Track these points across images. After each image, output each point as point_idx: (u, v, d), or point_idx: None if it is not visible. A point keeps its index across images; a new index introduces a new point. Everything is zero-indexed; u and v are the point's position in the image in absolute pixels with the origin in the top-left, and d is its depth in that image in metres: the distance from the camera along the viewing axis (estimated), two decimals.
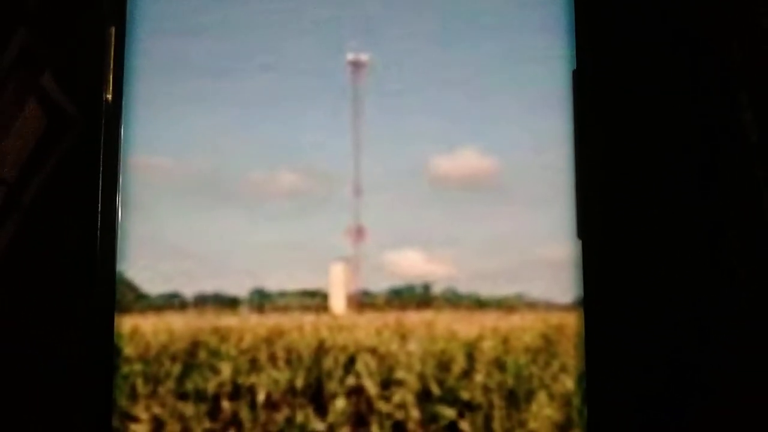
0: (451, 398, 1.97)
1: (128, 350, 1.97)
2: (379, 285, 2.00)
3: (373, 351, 2.01)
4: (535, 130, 2.01)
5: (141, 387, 1.96)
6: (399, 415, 1.96)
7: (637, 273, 1.93)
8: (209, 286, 1.97)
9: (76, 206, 2.01)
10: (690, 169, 1.95)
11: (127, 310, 1.97)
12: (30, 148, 1.95)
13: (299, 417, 1.96)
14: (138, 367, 1.97)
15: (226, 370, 1.99)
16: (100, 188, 2.03)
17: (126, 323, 1.97)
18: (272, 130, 2.03)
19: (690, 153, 1.94)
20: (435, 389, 1.98)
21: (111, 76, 2.03)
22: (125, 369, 1.96)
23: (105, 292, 2.01)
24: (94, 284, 2.01)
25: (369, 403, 1.97)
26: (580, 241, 1.98)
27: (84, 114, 2.05)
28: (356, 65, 2.03)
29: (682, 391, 1.89)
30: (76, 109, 2.03)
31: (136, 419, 1.96)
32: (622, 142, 1.98)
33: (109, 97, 2.06)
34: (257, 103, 2.04)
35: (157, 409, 1.96)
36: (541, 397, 1.95)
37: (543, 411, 1.94)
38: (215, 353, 2.00)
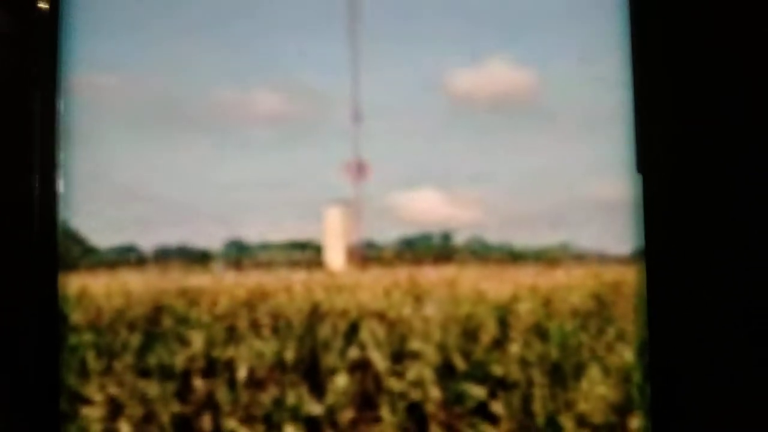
0: (479, 374, 1.86)
1: (76, 317, 1.87)
2: (387, 234, 1.88)
3: (380, 316, 1.89)
4: (584, 33, 1.88)
5: (93, 362, 1.87)
6: (415, 394, 1.86)
7: (711, 217, 1.81)
8: (172, 237, 1.86)
9: (5, 141, 1.90)
10: None
11: (72, 267, 1.86)
12: None
13: (290, 398, 1.86)
14: (88, 337, 1.87)
15: (197, 340, 1.88)
16: (36, 117, 1.91)
17: (72, 283, 1.86)
18: (246, 36, 1.88)
19: None
20: (459, 363, 1.87)
21: None
22: (73, 340, 1.86)
23: (45, 245, 1.90)
24: (32, 236, 1.92)
25: (377, 380, 1.87)
26: (641, 177, 1.86)
27: (13, 27, 1.93)
28: None
29: (763, 363, 1.78)
30: (4, 20, 1.91)
31: (88, 401, 1.87)
32: (693, 50, 1.83)
33: (44, 5, 1.93)
34: (226, 5, 1.90)
35: (113, 389, 1.87)
36: (593, 372, 1.85)
37: (595, 389, 1.84)
38: (183, 320, 1.89)
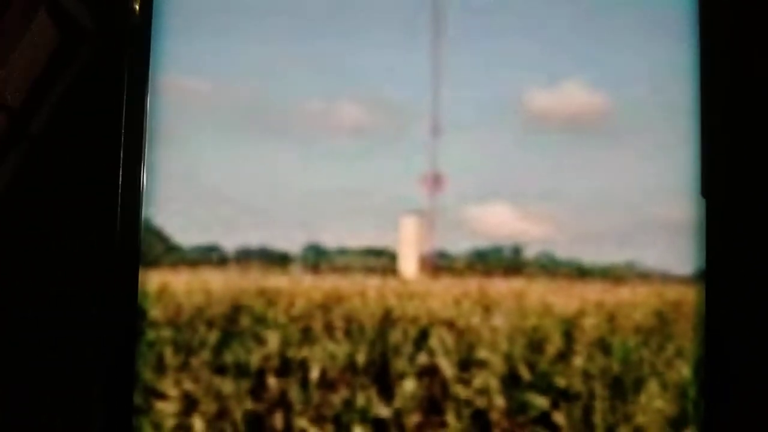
0: (543, 385, 2.06)
1: (155, 312, 2.07)
2: (459, 245, 2.07)
3: (449, 324, 2.09)
4: (656, 61, 2.10)
5: (170, 357, 2.07)
6: (480, 402, 2.06)
7: None
8: (254, 239, 2.05)
9: (93, 138, 2.10)
10: None
11: (154, 263, 2.06)
12: (38, 68, 2.04)
13: (360, 399, 2.06)
14: (167, 333, 2.06)
15: (273, 340, 2.08)
16: (124, 116, 2.12)
17: (153, 280, 2.06)
18: (333, 50, 2.10)
19: None
20: (524, 373, 2.07)
21: None
22: (151, 335, 2.06)
23: (128, 241, 2.11)
24: (115, 232, 2.11)
25: (444, 386, 2.07)
26: (705, 200, 2.06)
27: (106, 27, 2.13)
28: None
29: None
30: (93, 20, 2.11)
31: (163, 396, 2.06)
32: (758, 79, 2.05)
33: (137, 6, 2.14)
34: (316, 17, 2.10)
35: (188, 385, 2.07)
36: (652, 386, 2.04)
37: (653, 403, 2.04)
38: (260, 320, 2.09)
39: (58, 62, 2.08)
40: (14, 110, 2.01)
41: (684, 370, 2.06)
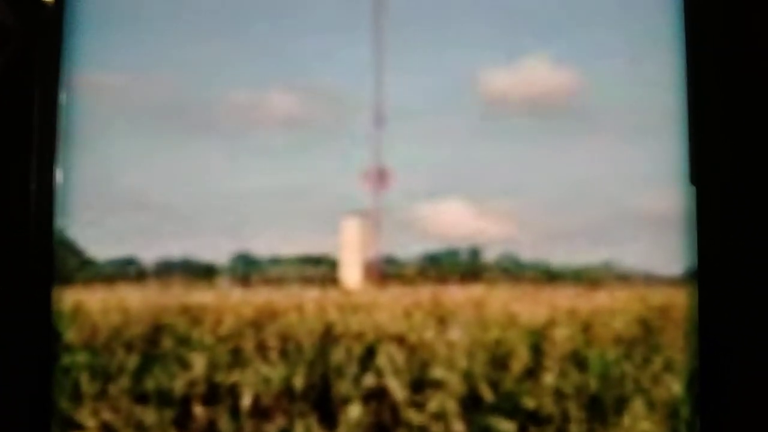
0: (508, 407, 1.88)
1: (70, 335, 1.92)
2: (409, 249, 1.91)
3: (399, 340, 1.92)
4: (631, 32, 1.90)
5: (86, 384, 1.91)
6: (436, 428, 1.87)
7: None
8: (176, 250, 1.91)
9: (3, 139, 1.98)
10: None
11: (68, 280, 1.92)
12: None
13: (298, 428, 1.88)
14: (83, 357, 1.92)
15: (198, 363, 1.92)
16: (35, 116, 1.99)
17: (67, 298, 1.92)
18: (261, 35, 1.93)
19: None
20: (486, 394, 1.89)
21: None
22: (66, 360, 1.91)
23: (40, 256, 1.96)
24: (27, 246, 1.98)
25: (394, 411, 1.89)
26: (694, 189, 1.87)
27: (16, 20, 2.02)
28: None
29: None
30: (7, 15, 2.00)
31: (80, 427, 1.91)
32: (753, 44, 1.84)
33: None
34: (242, 2, 1.96)
35: (107, 415, 1.90)
36: (637, 405, 1.86)
37: (639, 425, 1.85)
38: (184, 341, 1.93)
39: None
40: None
41: (674, 387, 1.86)
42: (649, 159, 1.88)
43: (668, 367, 1.85)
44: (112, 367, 1.92)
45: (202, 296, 1.92)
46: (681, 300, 1.84)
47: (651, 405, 1.85)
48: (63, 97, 1.93)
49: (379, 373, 1.90)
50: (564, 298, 1.89)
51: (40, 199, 1.92)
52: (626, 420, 1.85)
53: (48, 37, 1.97)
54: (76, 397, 1.91)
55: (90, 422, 1.90)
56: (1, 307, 1.90)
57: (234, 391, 1.91)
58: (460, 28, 1.92)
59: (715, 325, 1.79)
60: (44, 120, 1.94)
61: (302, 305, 1.93)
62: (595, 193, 1.88)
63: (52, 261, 1.91)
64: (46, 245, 1.91)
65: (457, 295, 1.91)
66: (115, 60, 1.95)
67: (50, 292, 1.89)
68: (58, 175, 1.91)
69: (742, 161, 1.82)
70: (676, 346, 1.85)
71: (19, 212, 1.92)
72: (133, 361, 1.91)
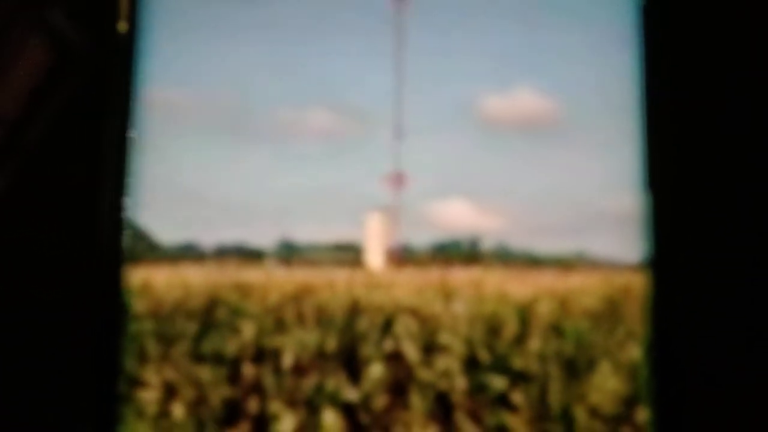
0: (501, 367, 2.17)
1: (138, 306, 2.22)
2: (421, 238, 2.24)
3: (413, 312, 2.22)
4: (600, 68, 2.28)
5: (152, 348, 2.21)
6: (442, 384, 2.17)
7: (713, 228, 2.14)
8: (230, 236, 2.22)
9: (83, 146, 2.27)
10: None
11: (137, 260, 2.22)
12: (35, 86, 2.22)
13: (330, 384, 2.17)
14: (149, 325, 2.21)
15: (248, 330, 2.21)
16: (111, 125, 2.29)
17: (136, 275, 2.22)
18: (304, 63, 2.29)
19: None
20: (483, 356, 2.19)
21: (125, 3, 2.30)
22: (134, 327, 2.21)
23: (112, 239, 2.26)
24: (101, 231, 2.27)
25: (408, 370, 2.18)
26: (650, 192, 2.17)
27: (95, 45, 2.31)
28: None
29: (764, 364, 2.09)
30: (87, 42, 2.30)
31: (145, 384, 2.20)
32: (696, 81, 2.20)
33: (124, 25, 2.33)
34: (288, 33, 2.30)
35: (169, 374, 2.19)
36: (604, 367, 2.15)
37: (606, 383, 2.14)
38: (236, 311, 2.22)
39: (53, 79, 2.26)
40: (11, 123, 2.19)
41: (635, 351, 2.15)
42: (614, 168, 2.22)
43: (630, 335, 2.15)
44: (174, 333, 2.21)
45: (251, 275, 2.21)
46: (639, 282, 2.05)
47: (616, 367, 2.13)
48: (134, 109, 2.26)
49: (396, 339, 2.19)
50: (545, 279, 2.22)
51: (113, 194, 2.24)
52: (596, 379, 2.13)
53: (121, 59, 2.30)
54: (142, 358, 2.21)
55: (154, 380, 2.19)
56: (80, 283, 2.19)
57: (277, 353, 2.19)
58: (464, 62, 2.29)
59: (666, 302, 2.04)
60: (118, 128, 2.26)
61: (334, 283, 2.23)
62: (570, 195, 2.22)
63: (121, 244, 2.20)
64: (116, 231, 2.22)
65: (460, 276, 2.22)
66: (180, 79, 2.30)
67: (120, 270, 2.19)
68: (131, 174, 2.23)
69: (687, 171, 2.16)
70: (636, 318, 2.15)
71: (94, 205, 2.23)
72: (192, 328, 2.20)
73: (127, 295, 2.21)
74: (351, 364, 2.21)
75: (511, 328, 2.22)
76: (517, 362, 2.19)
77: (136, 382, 2.20)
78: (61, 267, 2.20)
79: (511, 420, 2.16)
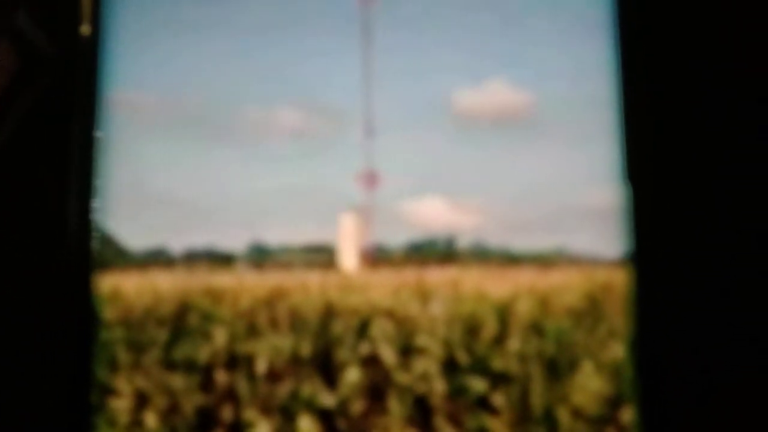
0: (480, 368, 2.14)
1: (107, 314, 2.19)
2: (396, 238, 2.22)
3: (389, 314, 2.18)
4: (575, 59, 2.20)
5: (122, 356, 2.17)
6: (421, 387, 2.13)
7: (696, 223, 2.11)
8: (200, 240, 2.19)
9: (48, 151, 2.24)
10: (757, 99, 2.14)
11: (105, 267, 2.19)
12: (1, 90, 2.19)
13: (305, 390, 2.14)
14: (119, 333, 2.18)
15: (220, 336, 2.18)
16: (76, 130, 2.25)
17: (105, 283, 2.18)
18: (271, 61, 2.25)
19: (757, 79, 2.13)
20: (462, 358, 2.15)
21: (87, 6, 2.27)
22: (104, 335, 2.18)
23: (81, 244, 2.22)
24: (68, 237, 2.23)
25: (386, 373, 2.15)
26: (630, 185, 2.17)
27: (58, 48, 2.28)
28: None
29: (748, 360, 2.06)
30: (50, 45, 2.27)
31: (116, 393, 2.17)
32: (674, 72, 2.17)
33: (86, 28, 2.30)
34: (253, 31, 2.26)
35: (141, 382, 2.16)
36: (587, 366, 2.11)
37: (588, 383, 2.10)
38: (208, 317, 2.19)
39: (18, 84, 2.23)
40: None
41: (618, 350, 2.12)
42: (592, 162, 2.16)
43: (612, 334, 2.11)
44: (145, 340, 2.18)
45: (222, 279, 2.18)
46: (621, 278, 2.02)
47: (599, 366, 2.10)
48: (100, 112, 2.23)
49: (372, 342, 2.16)
50: (524, 277, 2.17)
51: (79, 199, 2.20)
52: (578, 379, 2.10)
53: (85, 62, 2.27)
54: (113, 367, 2.18)
55: (126, 388, 2.16)
56: (47, 292, 2.16)
57: (250, 359, 2.15)
58: (436, 56, 2.25)
59: (649, 299, 2.02)
60: (83, 132, 2.22)
61: (307, 286, 2.19)
62: (548, 190, 2.18)
63: (90, 251, 2.17)
64: (84, 238, 2.19)
65: (436, 276, 2.18)
66: (145, 82, 2.26)
67: (89, 278, 2.16)
68: (97, 179, 2.20)
69: (668, 163, 2.13)
70: (618, 316, 2.10)
71: (61, 211, 2.20)
72: (163, 335, 2.17)
73: (97, 302, 2.19)
74: (326, 368, 2.17)
75: (490, 329, 2.18)
76: (497, 363, 2.16)
77: (108, 391, 2.16)
78: (28, 273, 2.16)
79: (492, 423, 2.12)
